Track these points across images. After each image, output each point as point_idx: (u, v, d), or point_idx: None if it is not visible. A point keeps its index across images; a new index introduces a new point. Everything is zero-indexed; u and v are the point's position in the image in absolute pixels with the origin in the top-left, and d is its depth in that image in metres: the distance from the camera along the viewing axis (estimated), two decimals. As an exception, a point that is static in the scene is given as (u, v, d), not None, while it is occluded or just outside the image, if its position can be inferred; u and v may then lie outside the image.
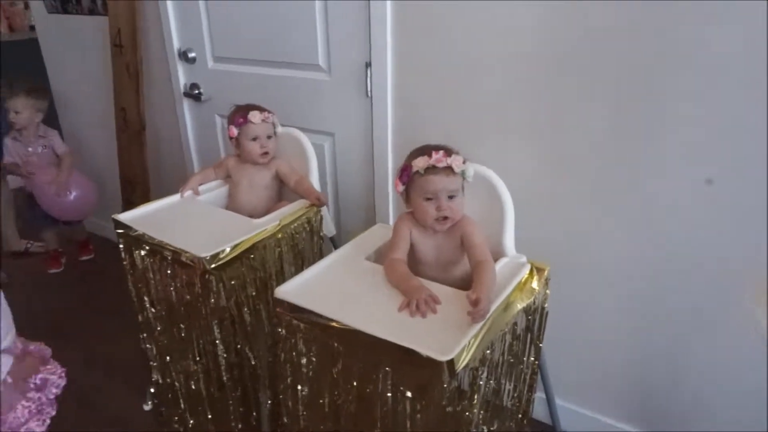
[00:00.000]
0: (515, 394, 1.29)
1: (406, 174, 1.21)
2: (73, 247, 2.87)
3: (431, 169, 1.17)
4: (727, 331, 1.35)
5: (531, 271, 1.26)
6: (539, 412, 1.67)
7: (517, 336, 1.21)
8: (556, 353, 1.56)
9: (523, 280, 1.23)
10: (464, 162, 1.19)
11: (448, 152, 1.18)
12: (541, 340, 1.31)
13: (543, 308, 1.28)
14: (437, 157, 1.16)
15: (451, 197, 1.19)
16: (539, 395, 1.57)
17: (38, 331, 2.30)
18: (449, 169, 1.17)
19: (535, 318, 1.26)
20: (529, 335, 1.27)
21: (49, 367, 1.42)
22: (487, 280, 1.10)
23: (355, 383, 1.09)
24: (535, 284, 1.24)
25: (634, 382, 1.55)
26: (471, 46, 1.44)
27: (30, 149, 2.48)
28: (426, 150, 1.19)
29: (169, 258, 1.41)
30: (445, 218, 1.20)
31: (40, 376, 1.38)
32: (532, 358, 1.30)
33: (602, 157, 1.37)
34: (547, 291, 1.28)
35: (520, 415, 1.38)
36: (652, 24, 1.20)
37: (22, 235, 2.94)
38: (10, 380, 1.31)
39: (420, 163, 1.18)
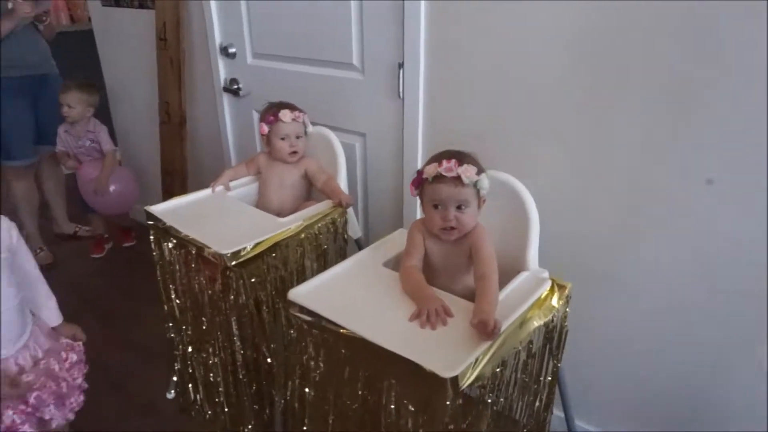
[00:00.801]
0: (529, 413, 1.25)
1: (418, 179, 1.19)
2: (118, 234, 2.97)
3: (439, 178, 1.14)
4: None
5: (552, 287, 1.22)
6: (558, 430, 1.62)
7: (532, 354, 1.17)
8: (579, 372, 1.50)
9: (542, 297, 1.19)
10: (478, 173, 1.14)
11: (462, 161, 1.14)
12: (560, 360, 1.26)
13: (562, 327, 1.23)
14: (447, 166, 1.13)
15: (459, 207, 1.16)
16: (559, 414, 1.52)
17: (78, 312, 2.41)
18: (458, 179, 1.13)
19: (554, 336, 1.22)
20: (546, 354, 1.23)
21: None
22: (488, 299, 1.06)
23: (360, 392, 1.08)
24: (555, 301, 1.20)
25: (657, 405, 1.48)
26: (504, 49, 1.40)
27: (79, 142, 2.58)
28: (439, 156, 1.16)
29: (194, 252, 1.44)
30: (452, 228, 1.16)
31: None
32: (549, 378, 1.26)
33: (635, 168, 1.30)
34: (567, 309, 1.23)
35: (536, 435, 1.34)
36: (692, 26, 1.13)
37: (71, 219, 3.08)
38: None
39: (429, 170, 1.15)
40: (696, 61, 1.15)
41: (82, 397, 1.55)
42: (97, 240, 2.93)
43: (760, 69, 1.08)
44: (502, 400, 1.12)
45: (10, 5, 2.37)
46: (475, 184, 1.14)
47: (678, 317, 1.37)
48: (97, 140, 2.58)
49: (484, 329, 0.98)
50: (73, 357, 1.51)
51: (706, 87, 1.16)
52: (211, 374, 1.60)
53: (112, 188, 2.53)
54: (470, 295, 1.13)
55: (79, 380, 1.53)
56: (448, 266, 1.23)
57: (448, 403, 0.93)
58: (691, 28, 1.13)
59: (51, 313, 1.48)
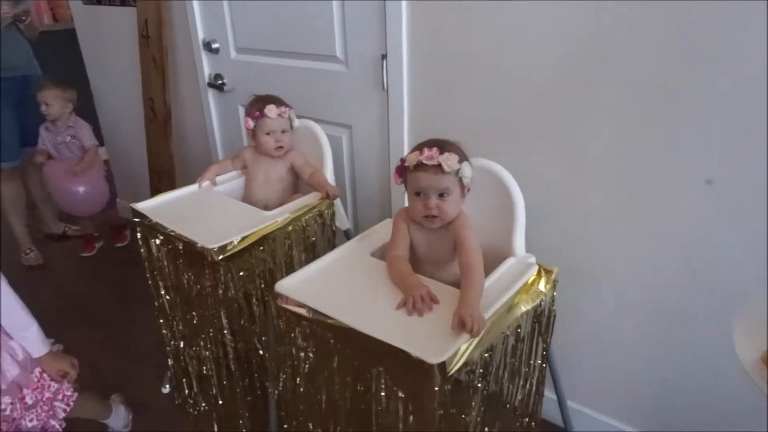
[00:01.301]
0: (520, 397, 1.26)
1: (401, 167, 1.19)
2: (111, 233, 2.95)
3: (420, 166, 1.14)
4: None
5: (539, 272, 1.22)
6: (552, 414, 1.63)
7: (521, 338, 1.17)
8: (570, 356, 1.52)
9: (529, 282, 1.20)
10: (460, 161, 1.14)
11: (443, 149, 1.13)
12: (549, 344, 1.27)
13: (551, 310, 1.24)
14: (428, 154, 1.12)
15: (441, 195, 1.16)
16: (551, 397, 1.53)
17: (68, 313, 2.41)
18: (438, 167, 1.12)
19: (542, 320, 1.23)
20: (535, 338, 1.24)
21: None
22: (471, 291, 1.06)
23: (350, 381, 1.09)
24: (542, 286, 1.21)
25: (647, 386, 1.50)
26: (487, 39, 1.40)
27: (58, 138, 2.54)
28: (422, 145, 1.16)
29: (181, 247, 1.44)
30: (434, 216, 1.17)
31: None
32: (539, 361, 1.27)
33: (621, 160, 1.31)
34: (555, 293, 1.24)
35: (527, 418, 1.35)
36: (681, 27, 1.13)
37: (60, 219, 3.06)
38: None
39: (411, 158, 1.15)
40: (686, 60, 1.15)
41: None
42: (86, 239, 2.91)
43: (752, 68, 1.08)
44: (492, 384, 1.13)
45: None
46: (456, 172, 1.14)
47: (661, 305, 1.38)
48: (78, 136, 2.54)
49: (464, 328, 0.98)
50: (45, 394, 1.42)
51: (694, 86, 1.16)
52: (204, 368, 1.60)
53: (81, 189, 2.44)
54: (457, 283, 1.14)
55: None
56: (433, 255, 1.24)
57: (436, 389, 0.94)
58: (684, 27, 1.13)
59: (29, 343, 1.39)
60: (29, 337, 1.39)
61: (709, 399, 1.39)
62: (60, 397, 1.48)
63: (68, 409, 1.50)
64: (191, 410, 1.75)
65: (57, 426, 1.48)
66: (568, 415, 1.55)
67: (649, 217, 1.32)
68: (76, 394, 1.52)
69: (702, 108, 1.16)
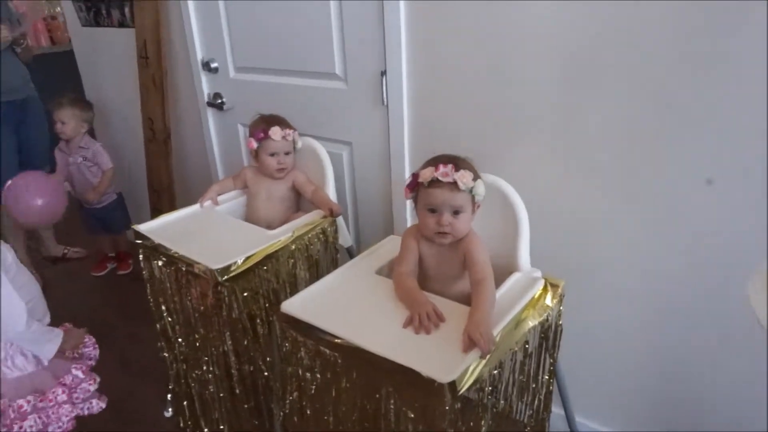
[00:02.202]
0: (528, 413, 1.25)
1: (413, 182, 1.19)
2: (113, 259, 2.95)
3: (435, 182, 1.14)
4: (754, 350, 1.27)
5: (545, 286, 1.22)
6: (560, 429, 1.62)
7: (528, 354, 1.17)
8: (578, 370, 1.50)
9: (536, 297, 1.19)
10: (475, 179, 1.14)
11: (458, 166, 1.14)
12: (556, 359, 1.26)
13: (557, 325, 1.23)
14: (443, 171, 1.13)
15: (455, 213, 1.16)
16: (559, 412, 1.52)
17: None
18: (454, 185, 1.13)
19: (549, 335, 1.22)
20: (543, 353, 1.23)
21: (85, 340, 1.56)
22: (483, 306, 1.06)
23: (358, 401, 1.08)
24: (548, 301, 1.20)
25: (656, 401, 1.48)
26: (487, 53, 1.41)
27: (71, 159, 2.56)
28: (436, 161, 1.16)
29: (184, 269, 1.43)
30: (446, 233, 1.16)
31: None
32: (546, 377, 1.26)
33: (624, 170, 1.31)
34: (561, 308, 1.23)
35: (535, 434, 1.34)
36: (683, 27, 1.14)
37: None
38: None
39: (425, 174, 1.15)
40: (688, 61, 1.16)
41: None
42: (100, 258, 2.91)
43: (755, 68, 1.09)
44: (501, 401, 1.12)
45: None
46: (470, 190, 1.14)
47: (670, 316, 1.37)
48: (91, 157, 2.57)
49: (474, 347, 0.98)
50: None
51: (696, 86, 1.16)
52: (207, 391, 1.58)
53: (39, 201, 2.31)
54: (465, 300, 1.13)
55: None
56: (442, 272, 1.23)
57: (447, 408, 0.93)
58: (685, 27, 1.14)
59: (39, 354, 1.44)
60: (36, 351, 1.43)
61: (724, 413, 1.38)
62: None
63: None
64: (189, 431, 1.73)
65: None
66: (576, 430, 1.53)
67: (655, 225, 1.31)
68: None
69: (704, 109, 1.16)
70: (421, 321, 1.06)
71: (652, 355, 1.45)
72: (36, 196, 2.32)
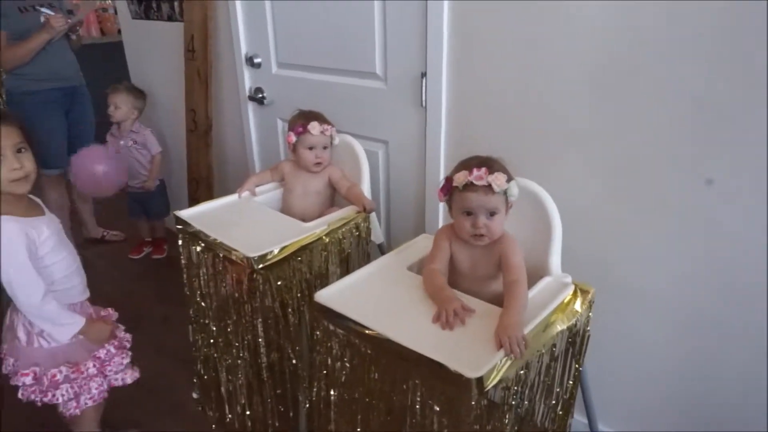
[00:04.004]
0: (551, 416, 1.26)
1: (447, 186, 1.21)
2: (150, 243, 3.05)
3: (469, 186, 1.16)
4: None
5: (575, 292, 1.23)
6: (582, 436, 1.62)
7: (555, 357, 1.18)
8: (602, 379, 1.50)
9: (565, 301, 1.20)
10: (508, 180, 1.16)
11: (492, 169, 1.15)
12: (581, 364, 1.27)
13: (585, 331, 1.24)
14: (477, 174, 1.14)
15: (490, 215, 1.18)
16: (582, 420, 1.52)
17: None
18: (488, 188, 1.14)
19: (576, 341, 1.23)
20: (569, 358, 1.23)
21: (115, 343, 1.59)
22: (514, 309, 1.07)
23: (386, 392, 1.10)
24: (578, 306, 1.21)
25: (681, 413, 1.47)
26: (527, 60, 1.42)
27: (121, 142, 2.70)
28: (469, 164, 1.18)
29: (221, 255, 1.48)
30: (482, 235, 1.18)
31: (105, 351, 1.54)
32: (571, 382, 1.26)
33: (657, 179, 1.31)
34: (590, 314, 1.24)
35: (557, 439, 1.34)
36: (716, 37, 1.14)
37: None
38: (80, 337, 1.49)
39: (459, 178, 1.17)
40: (719, 76, 1.16)
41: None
42: (138, 242, 3.02)
43: None
44: (525, 402, 1.13)
45: (42, 18, 2.46)
46: (505, 192, 1.16)
47: (699, 325, 1.36)
48: (142, 141, 2.71)
49: (502, 347, 1.00)
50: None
51: (731, 101, 1.16)
52: (236, 376, 1.63)
53: (100, 169, 2.48)
54: (499, 300, 1.15)
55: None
56: (477, 273, 1.25)
57: (473, 403, 0.95)
58: (714, 42, 1.14)
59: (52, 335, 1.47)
60: (49, 330, 1.45)
61: (748, 419, 1.36)
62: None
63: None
64: (217, 416, 1.77)
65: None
66: (599, 439, 1.53)
67: (685, 234, 1.31)
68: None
69: (742, 119, 1.16)
70: (448, 317, 1.08)
71: (679, 366, 1.44)
72: (96, 163, 2.48)
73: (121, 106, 2.64)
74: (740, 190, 1.21)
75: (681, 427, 1.49)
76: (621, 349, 1.51)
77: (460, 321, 1.08)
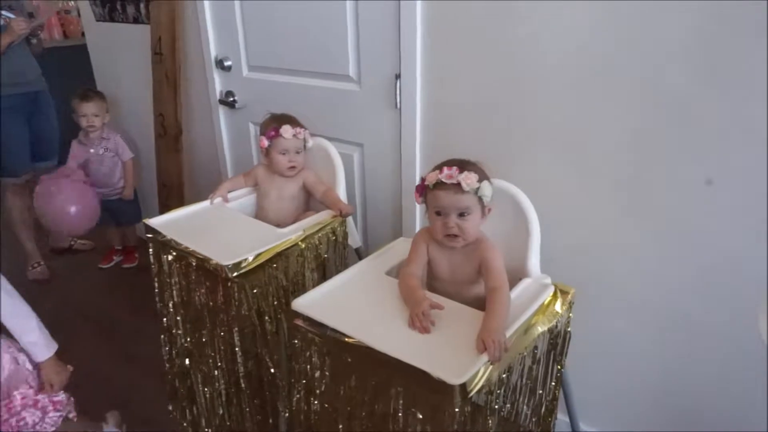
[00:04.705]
0: (534, 418, 1.25)
1: (420, 186, 1.20)
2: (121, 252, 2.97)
3: (439, 185, 1.15)
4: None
5: (555, 293, 1.22)
6: (563, 436, 1.62)
7: (537, 360, 1.17)
8: (583, 377, 1.50)
9: (545, 303, 1.20)
10: (480, 180, 1.14)
11: (463, 168, 1.14)
12: (563, 365, 1.26)
13: (566, 332, 1.24)
14: (447, 173, 1.13)
15: (462, 215, 1.16)
16: (564, 419, 1.52)
17: (77, 327, 2.39)
18: (458, 186, 1.13)
19: (558, 342, 1.22)
20: (550, 359, 1.23)
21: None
22: (498, 313, 1.06)
23: (367, 400, 1.08)
24: (558, 307, 1.20)
25: (659, 411, 1.49)
26: (502, 60, 1.42)
27: (92, 150, 2.61)
28: (443, 164, 1.17)
29: (194, 264, 1.44)
30: (455, 236, 1.17)
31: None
32: (553, 383, 1.26)
33: (636, 181, 1.32)
34: (571, 314, 1.24)
35: (540, 440, 1.34)
36: (693, 40, 1.15)
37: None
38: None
39: (431, 177, 1.16)
40: (700, 71, 1.16)
41: None
42: (108, 250, 2.93)
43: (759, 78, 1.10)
44: (508, 405, 1.12)
45: (2, 22, 2.37)
46: (476, 191, 1.14)
47: (678, 325, 1.38)
48: (114, 149, 2.64)
49: (485, 352, 0.98)
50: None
51: (707, 97, 1.17)
52: (212, 387, 1.59)
53: (72, 209, 2.39)
54: (479, 305, 1.14)
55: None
56: (456, 277, 1.24)
57: (456, 409, 0.94)
58: (691, 36, 1.15)
59: (31, 347, 1.43)
60: (34, 341, 1.42)
61: (727, 418, 1.38)
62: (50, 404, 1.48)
63: (60, 415, 1.49)
64: (189, 428, 1.73)
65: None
66: (580, 437, 1.53)
67: (664, 236, 1.32)
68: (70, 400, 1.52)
69: (718, 119, 1.17)
70: (420, 322, 1.06)
71: (658, 365, 1.45)
72: (69, 203, 2.37)
73: (99, 113, 2.57)
74: (720, 191, 1.22)
75: (661, 426, 1.50)
76: (600, 348, 1.52)
77: (431, 323, 1.06)
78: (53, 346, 1.46)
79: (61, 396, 1.49)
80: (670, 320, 1.39)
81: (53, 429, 1.46)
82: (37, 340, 1.43)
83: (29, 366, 1.45)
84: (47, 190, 2.38)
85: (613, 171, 1.35)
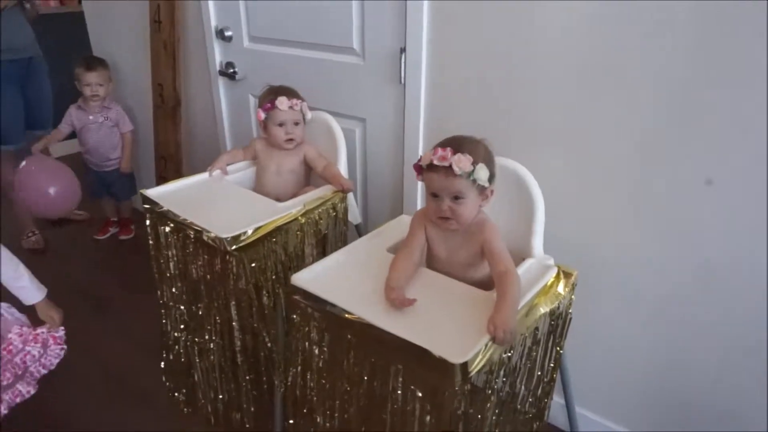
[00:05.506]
0: (531, 399, 1.25)
1: (417, 166, 1.15)
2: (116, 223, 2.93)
3: (432, 167, 1.09)
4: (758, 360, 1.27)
5: (558, 274, 1.21)
6: (558, 418, 1.62)
7: (537, 340, 1.16)
8: (580, 361, 1.50)
9: (548, 284, 1.18)
10: (475, 163, 1.08)
11: (458, 149, 1.08)
12: (562, 347, 1.26)
13: (567, 314, 1.23)
14: (440, 155, 1.07)
15: (455, 198, 1.11)
16: (559, 401, 1.52)
17: (69, 297, 2.36)
18: (449, 170, 1.07)
19: (558, 324, 1.21)
20: (550, 341, 1.22)
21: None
22: (510, 300, 1.02)
23: (365, 377, 1.07)
24: (560, 289, 1.19)
25: (656, 395, 1.49)
26: (509, 36, 1.38)
27: (91, 117, 2.56)
28: (440, 143, 1.12)
29: (192, 236, 1.41)
30: (448, 219, 1.12)
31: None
32: (551, 365, 1.25)
33: (639, 162, 1.29)
34: (573, 296, 1.22)
35: (536, 422, 1.34)
36: (695, 31, 1.12)
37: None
38: None
39: (425, 157, 1.11)
40: (697, 67, 1.14)
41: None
42: (104, 222, 2.90)
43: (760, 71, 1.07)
44: (507, 386, 1.12)
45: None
46: (469, 175, 1.08)
47: (675, 313, 1.37)
48: (115, 119, 2.60)
49: (495, 337, 0.97)
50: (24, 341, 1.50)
51: (707, 91, 1.15)
52: (208, 360, 1.58)
53: (51, 190, 2.31)
54: (483, 286, 1.12)
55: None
56: (454, 259, 1.20)
57: (457, 388, 0.93)
58: (694, 32, 1.13)
59: (24, 291, 1.51)
60: (24, 285, 1.50)
61: (723, 419, 1.38)
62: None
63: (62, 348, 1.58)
64: (189, 402, 1.72)
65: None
66: (575, 421, 1.54)
67: (661, 220, 1.30)
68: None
69: (719, 113, 1.15)
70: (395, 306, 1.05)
71: (654, 354, 1.44)
72: (48, 184, 2.30)
73: (104, 82, 2.53)
74: (720, 183, 1.20)
75: (655, 414, 1.50)
76: (597, 332, 1.51)
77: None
78: (43, 289, 1.55)
79: (61, 332, 1.56)
80: (670, 314, 1.38)
81: (57, 361, 1.56)
82: (27, 284, 1.51)
83: (18, 315, 1.53)
84: (28, 169, 2.32)
85: (615, 155, 1.32)
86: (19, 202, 2.47)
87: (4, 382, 1.44)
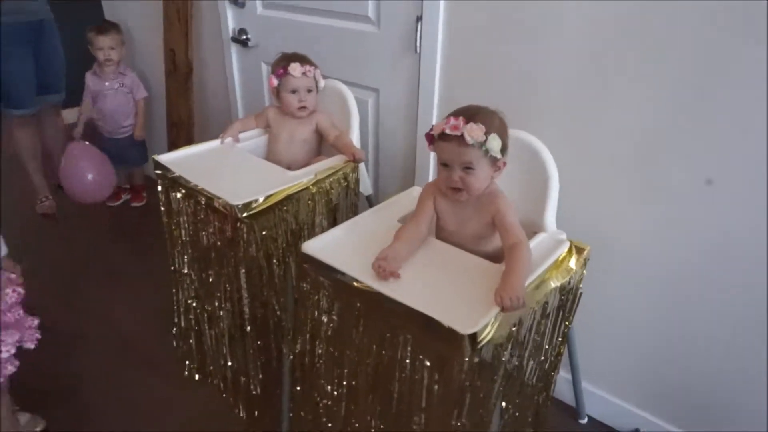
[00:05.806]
0: (538, 373, 1.25)
1: (429, 135, 1.14)
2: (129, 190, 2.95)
3: (443, 136, 1.08)
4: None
5: (570, 249, 1.20)
6: (564, 393, 1.63)
7: (546, 315, 1.16)
8: (587, 337, 1.50)
9: (560, 259, 1.18)
10: (488, 133, 1.06)
11: (471, 119, 1.06)
12: (571, 321, 1.25)
13: (577, 289, 1.22)
14: (452, 124, 1.06)
15: (466, 168, 1.09)
16: (566, 376, 1.53)
17: (85, 265, 2.40)
18: (462, 139, 1.06)
19: (568, 298, 1.21)
20: (559, 315, 1.22)
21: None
22: (519, 270, 1.01)
23: (374, 347, 1.08)
24: (572, 263, 1.18)
25: (663, 372, 1.48)
26: (529, 9, 1.34)
27: (107, 84, 2.56)
28: (454, 113, 1.10)
29: (203, 203, 1.41)
30: (459, 189, 1.11)
31: None
32: (559, 339, 1.25)
33: (652, 140, 1.26)
34: (584, 272, 1.21)
35: (542, 395, 1.34)
36: (699, 31, 1.10)
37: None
38: None
39: (437, 126, 1.10)
40: (707, 60, 1.12)
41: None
42: (116, 188, 2.86)
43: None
44: (514, 359, 1.12)
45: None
46: (481, 145, 1.07)
47: (684, 289, 1.35)
48: (130, 85, 2.59)
49: (502, 306, 0.96)
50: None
51: (715, 85, 1.12)
52: (218, 327, 1.59)
53: (89, 176, 2.36)
54: (490, 257, 1.11)
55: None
56: (464, 230, 1.19)
57: (466, 359, 0.93)
58: (703, 27, 1.10)
59: None
60: None
61: (724, 384, 1.38)
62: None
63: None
64: (197, 369, 1.75)
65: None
66: (581, 396, 1.54)
67: (679, 198, 1.28)
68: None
69: (721, 106, 1.12)
70: (380, 274, 1.04)
71: (661, 333, 1.43)
72: (87, 171, 2.35)
73: (117, 46, 2.51)
74: (734, 160, 1.17)
75: (661, 387, 1.50)
76: (606, 309, 1.50)
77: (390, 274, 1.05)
78: (4, 247, 1.37)
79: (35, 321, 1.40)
80: (678, 298, 1.36)
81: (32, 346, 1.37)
82: None
83: None
84: (71, 153, 2.38)
85: (628, 131, 1.28)
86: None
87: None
